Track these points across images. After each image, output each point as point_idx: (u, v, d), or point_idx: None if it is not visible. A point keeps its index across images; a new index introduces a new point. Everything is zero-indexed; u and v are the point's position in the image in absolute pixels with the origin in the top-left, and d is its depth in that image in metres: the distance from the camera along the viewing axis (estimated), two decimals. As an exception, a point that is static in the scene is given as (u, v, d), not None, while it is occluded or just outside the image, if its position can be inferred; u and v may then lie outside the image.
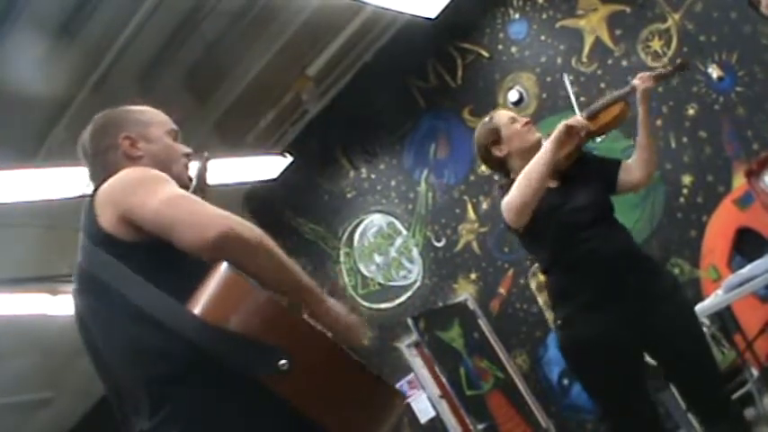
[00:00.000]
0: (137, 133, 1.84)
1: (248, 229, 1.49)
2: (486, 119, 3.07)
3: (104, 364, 1.61)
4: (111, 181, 1.63)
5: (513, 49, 6.03)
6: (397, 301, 6.86)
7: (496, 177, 3.19)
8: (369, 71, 6.60)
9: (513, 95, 6.04)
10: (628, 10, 5.51)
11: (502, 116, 3.04)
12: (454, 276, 6.52)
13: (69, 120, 4.80)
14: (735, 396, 4.35)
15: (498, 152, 2.99)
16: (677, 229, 5.39)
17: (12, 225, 5.21)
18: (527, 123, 3.00)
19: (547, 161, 2.71)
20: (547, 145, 2.77)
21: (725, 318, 4.33)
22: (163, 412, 1.48)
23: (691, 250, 5.34)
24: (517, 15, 5.99)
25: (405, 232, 6.77)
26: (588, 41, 5.70)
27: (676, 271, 5.38)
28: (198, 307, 1.40)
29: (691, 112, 5.31)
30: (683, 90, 5.33)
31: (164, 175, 1.66)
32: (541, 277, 2.90)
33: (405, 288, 6.83)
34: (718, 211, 5.23)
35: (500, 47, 6.09)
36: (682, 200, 5.37)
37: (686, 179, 5.34)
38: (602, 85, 5.63)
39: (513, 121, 3.00)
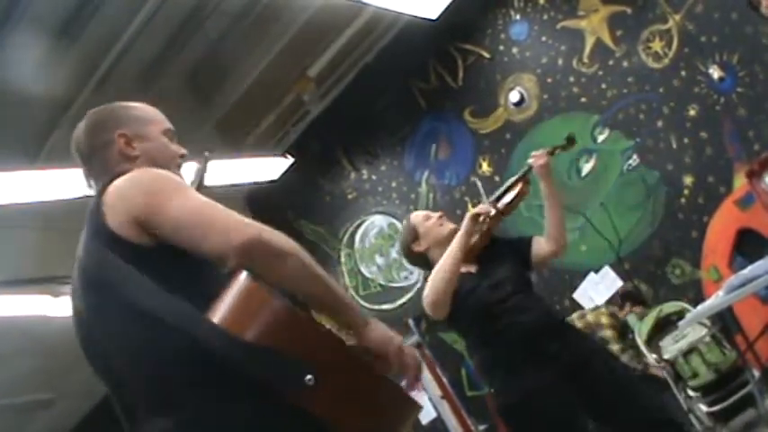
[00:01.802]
0: (133, 131, 1.79)
1: (277, 236, 1.47)
2: (404, 221, 3.25)
3: (107, 364, 1.58)
4: (121, 182, 1.58)
5: (514, 50, 6.04)
6: (399, 303, 6.86)
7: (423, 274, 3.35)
8: (370, 72, 6.61)
9: (513, 96, 6.05)
10: (629, 11, 5.51)
11: (417, 216, 3.20)
12: (455, 277, 6.52)
13: (71, 120, 4.79)
14: (736, 397, 4.36)
15: (418, 247, 3.13)
16: (678, 229, 5.39)
17: (13, 226, 5.21)
18: (440, 218, 3.16)
19: (456, 253, 2.87)
20: (457, 237, 2.92)
21: (726, 319, 4.33)
22: (176, 416, 1.46)
23: (692, 251, 5.34)
24: (518, 16, 5.99)
25: (406, 233, 6.76)
26: (589, 42, 5.70)
27: (677, 272, 5.39)
28: (218, 316, 1.39)
29: (692, 112, 5.31)
30: (684, 91, 5.33)
31: (178, 178, 1.63)
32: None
33: (406, 289, 6.83)
34: (719, 212, 5.23)
35: (501, 48, 6.10)
36: (683, 200, 5.37)
37: (687, 180, 5.34)
38: (603, 86, 5.63)
39: (427, 218, 3.16)
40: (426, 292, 2.87)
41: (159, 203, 1.50)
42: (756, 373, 4.41)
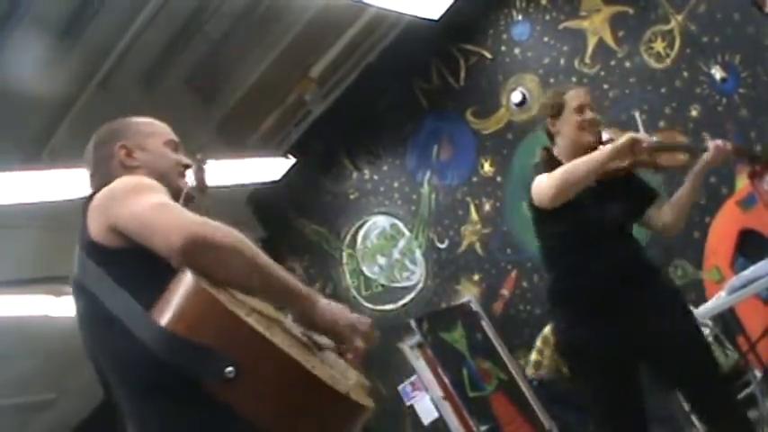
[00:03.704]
0: (134, 143, 1.86)
1: (219, 232, 1.46)
2: (563, 90, 3.04)
3: (98, 367, 1.64)
4: (103, 190, 1.65)
5: (516, 51, 6.04)
6: (401, 303, 6.86)
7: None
8: (372, 72, 6.61)
9: (516, 97, 6.04)
10: (631, 11, 5.51)
11: (574, 98, 2.98)
12: (457, 278, 6.52)
13: (72, 121, 4.80)
14: (738, 397, 4.35)
15: (551, 126, 2.99)
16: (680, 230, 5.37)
17: (14, 226, 5.21)
18: (593, 122, 2.96)
19: (600, 162, 2.71)
20: (606, 149, 2.76)
21: (728, 320, 4.32)
22: (138, 419, 1.52)
23: (694, 252, 5.33)
24: (520, 17, 5.99)
25: (408, 234, 6.77)
26: (591, 43, 5.70)
27: (679, 273, 5.38)
28: (157, 313, 1.41)
29: (694, 113, 5.30)
30: (686, 91, 5.32)
31: (154, 183, 1.67)
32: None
33: (408, 289, 6.83)
34: (721, 213, 5.22)
35: (503, 48, 6.09)
36: (685, 201, 5.35)
37: (689, 180, 5.33)
38: (605, 86, 5.63)
39: (581, 110, 2.96)
40: (554, 176, 2.70)
41: (119, 208, 1.56)
42: (758, 374, 4.40)
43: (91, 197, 1.67)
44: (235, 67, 5.75)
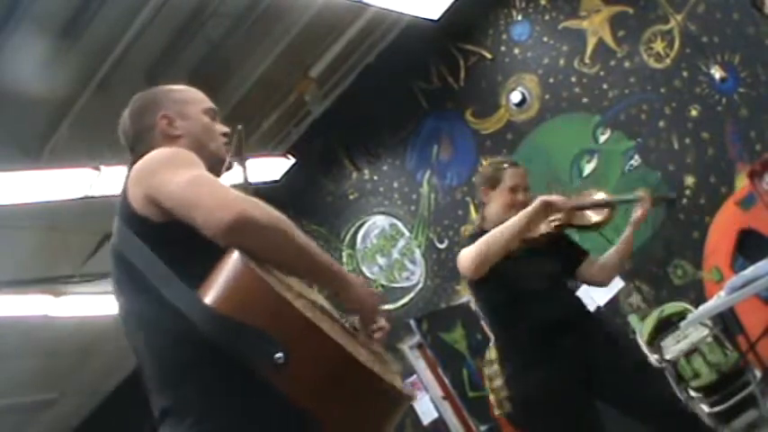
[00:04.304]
0: (174, 112, 1.83)
1: (264, 211, 1.45)
2: (504, 165, 3.13)
3: (133, 343, 1.60)
4: (141, 161, 1.61)
5: (516, 51, 6.04)
6: (400, 303, 6.86)
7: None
8: (372, 72, 6.61)
9: (515, 97, 6.05)
10: (630, 11, 5.51)
11: (510, 176, 3.08)
12: (457, 278, 6.51)
13: (72, 120, 4.81)
14: (738, 397, 4.35)
15: (483, 196, 3.09)
16: (680, 230, 5.38)
17: (15, 227, 5.22)
18: (522, 203, 3.00)
19: (516, 227, 2.79)
20: (520, 213, 2.83)
21: (728, 319, 4.32)
22: (179, 395, 1.47)
23: (693, 252, 5.33)
24: (520, 17, 5.99)
25: (407, 234, 6.77)
26: (591, 43, 5.70)
27: (679, 273, 5.38)
28: (204, 293, 1.39)
29: (693, 113, 5.31)
30: (686, 91, 5.32)
31: (191, 155, 1.63)
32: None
33: (407, 290, 6.83)
34: (720, 213, 5.22)
35: (503, 48, 6.09)
36: (684, 201, 5.36)
37: (689, 180, 5.34)
38: (605, 86, 5.63)
39: (515, 190, 3.05)
40: (474, 247, 2.77)
41: (159, 180, 1.52)
42: (758, 374, 4.41)
43: (130, 168, 1.63)
44: (234, 68, 5.75)
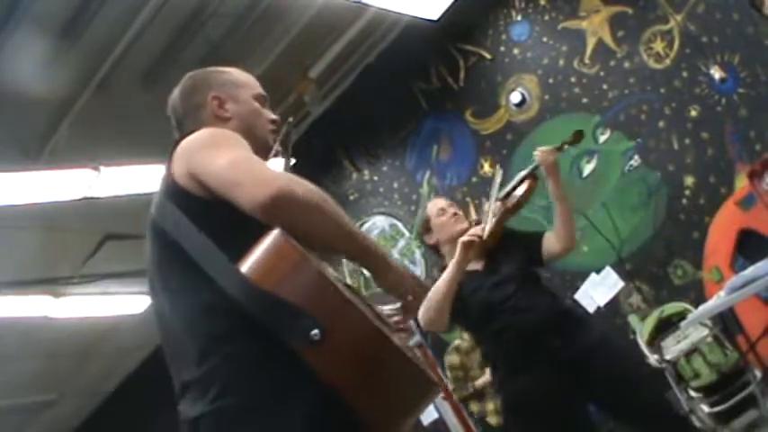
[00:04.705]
0: (225, 94, 1.85)
1: (305, 188, 1.45)
2: (423, 209, 3.32)
3: (161, 316, 1.61)
4: (188, 139, 1.63)
5: (516, 51, 6.04)
6: (400, 303, 6.84)
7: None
8: (371, 73, 6.61)
9: (515, 97, 6.05)
10: (630, 11, 5.51)
11: (432, 207, 3.24)
12: (457, 278, 6.52)
13: (72, 121, 4.80)
14: (738, 398, 4.35)
15: (430, 240, 3.22)
16: (680, 230, 5.38)
17: (14, 227, 5.22)
18: (455, 215, 3.18)
19: (451, 281, 2.91)
20: (451, 265, 2.94)
21: (727, 319, 4.32)
22: (206, 367, 1.47)
23: (693, 252, 5.33)
24: (519, 17, 5.99)
25: (407, 234, 6.77)
26: (591, 43, 5.70)
27: (679, 273, 5.38)
28: (244, 266, 1.39)
29: (693, 113, 5.31)
30: (685, 91, 5.33)
31: (237, 136, 1.65)
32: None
33: (407, 290, 6.82)
34: (720, 213, 5.22)
35: (502, 48, 6.10)
36: (684, 201, 5.36)
37: (689, 180, 5.34)
38: (605, 87, 5.63)
39: (442, 212, 3.19)
40: (422, 310, 2.85)
41: (202, 159, 1.54)
42: (758, 374, 4.41)
43: (177, 143, 1.65)
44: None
